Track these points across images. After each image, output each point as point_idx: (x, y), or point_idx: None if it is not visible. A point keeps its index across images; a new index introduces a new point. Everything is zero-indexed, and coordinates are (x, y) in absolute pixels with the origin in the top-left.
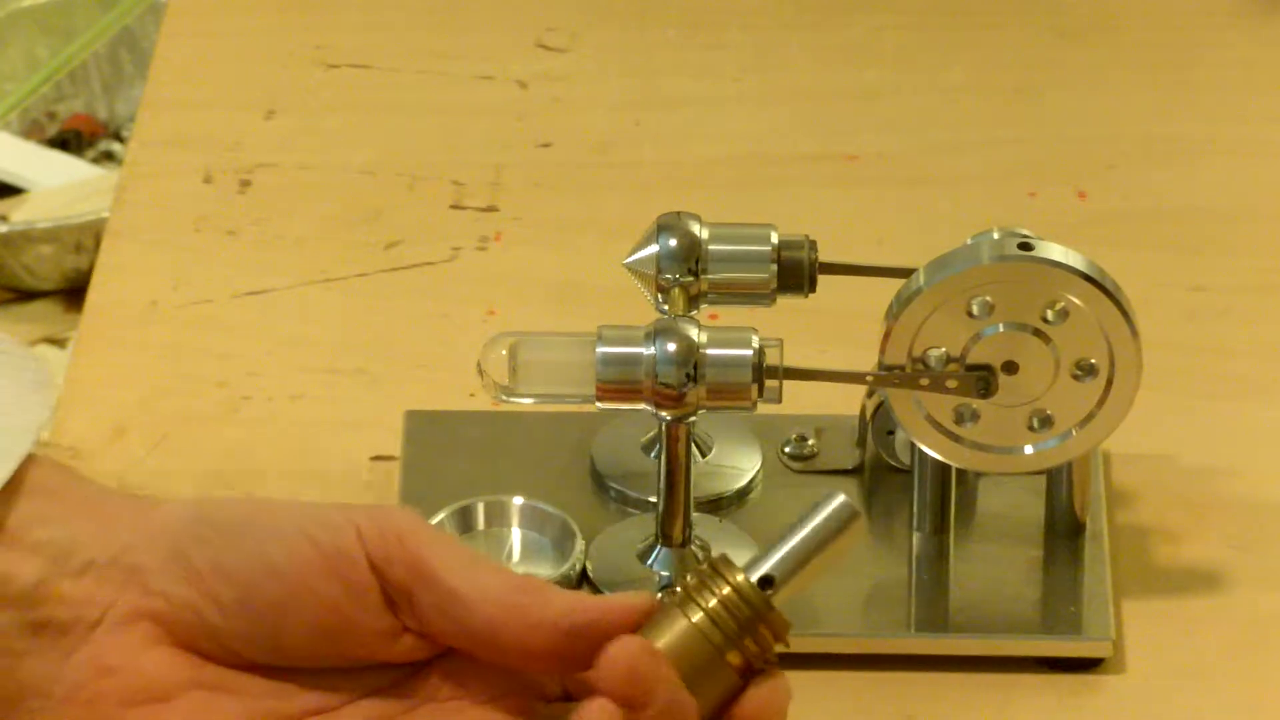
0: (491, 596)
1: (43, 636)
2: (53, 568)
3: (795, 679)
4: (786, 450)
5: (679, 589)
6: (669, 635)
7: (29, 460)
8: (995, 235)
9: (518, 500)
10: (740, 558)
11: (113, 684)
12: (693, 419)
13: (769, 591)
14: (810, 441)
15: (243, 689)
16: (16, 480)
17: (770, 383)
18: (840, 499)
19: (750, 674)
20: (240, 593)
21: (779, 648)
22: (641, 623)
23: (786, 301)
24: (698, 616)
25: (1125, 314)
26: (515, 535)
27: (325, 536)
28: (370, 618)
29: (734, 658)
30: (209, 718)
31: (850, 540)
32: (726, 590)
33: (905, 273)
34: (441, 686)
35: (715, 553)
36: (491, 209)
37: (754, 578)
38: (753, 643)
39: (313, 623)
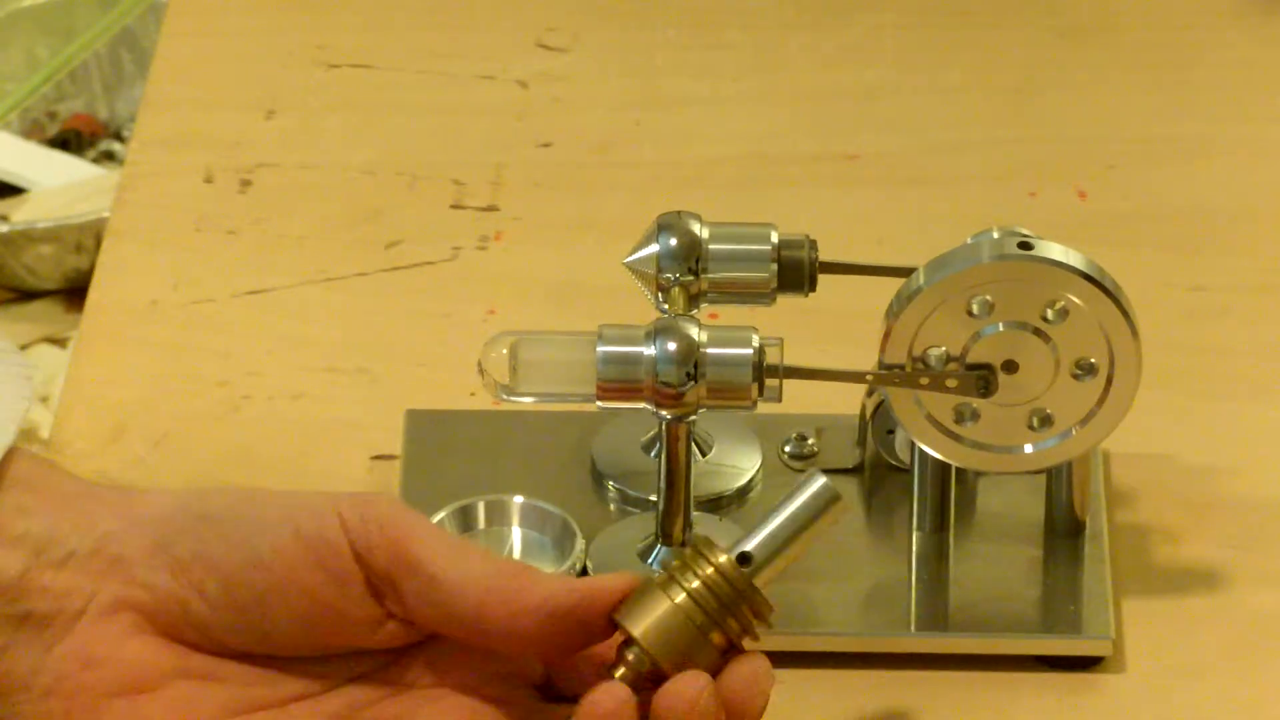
0: (475, 582)
1: (24, 629)
2: (34, 560)
3: (795, 678)
4: (786, 449)
5: (663, 570)
6: (652, 615)
7: (9, 453)
8: (995, 234)
9: (518, 499)
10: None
11: (97, 675)
12: (693, 418)
13: (748, 569)
14: (810, 441)
15: (228, 676)
16: None
17: (770, 382)
18: (820, 480)
19: (729, 656)
20: (225, 584)
21: (761, 627)
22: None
23: (786, 301)
24: (680, 597)
25: (1125, 314)
26: (516, 534)
27: (309, 527)
28: (355, 606)
29: (717, 637)
30: (194, 706)
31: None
32: (709, 570)
33: (905, 272)
34: (425, 673)
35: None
36: (492, 208)
37: (734, 555)
38: (735, 622)
39: (298, 612)
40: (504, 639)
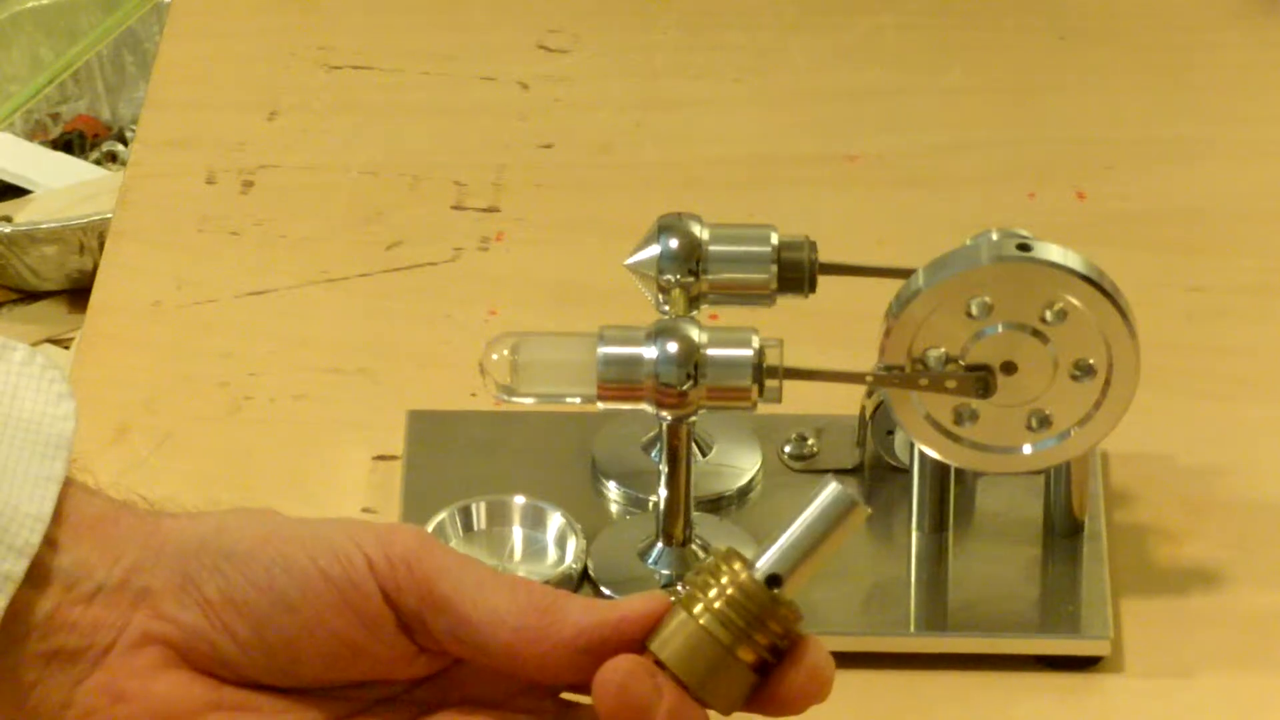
0: (503, 621)
1: (54, 664)
2: (64, 596)
3: None
4: (786, 450)
5: (686, 586)
6: (679, 639)
7: None
8: (994, 236)
9: (519, 499)
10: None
11: (127, 710)
12: (693, 419)
13: (776, 590)
14: (810, 441)
15: (258, 707)
16: None
17: (770, 383)
18: (835, 488)
19: (767, 667)
20: (255, 627)
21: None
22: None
23: (786, 302)
24: (705, 618)
25: (1123, 315)
26: (516, 534)
27: (337, 569)
28: (385, 647)
29: (746, 654)
30: None
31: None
32: (731, 591)
33: (905, 273)
34: (453, 690)
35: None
36: (493, 209)
37: (760, 576)
38: (763, 636)
39: (328, 653)
40: (536, 673)
